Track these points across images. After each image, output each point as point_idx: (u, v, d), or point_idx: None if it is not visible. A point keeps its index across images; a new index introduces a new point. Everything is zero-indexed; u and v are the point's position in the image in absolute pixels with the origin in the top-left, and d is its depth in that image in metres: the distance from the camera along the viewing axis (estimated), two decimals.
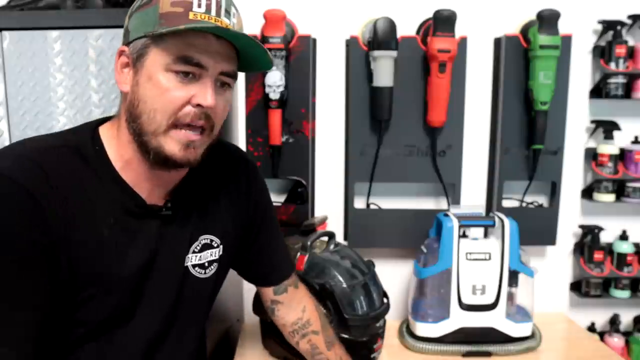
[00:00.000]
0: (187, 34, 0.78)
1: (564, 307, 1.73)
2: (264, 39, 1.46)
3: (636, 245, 1.66)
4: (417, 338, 1.44)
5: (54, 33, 1.15)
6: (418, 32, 1.56)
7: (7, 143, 1.17)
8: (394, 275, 1.64)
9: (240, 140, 1.58)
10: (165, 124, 0.80)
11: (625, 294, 1.66)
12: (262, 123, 1.54)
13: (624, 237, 1.66)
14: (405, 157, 1.59)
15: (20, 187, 0.75)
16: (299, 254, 1.32)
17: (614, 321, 1.71)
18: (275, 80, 1.48)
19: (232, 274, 1.09)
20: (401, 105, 1.54)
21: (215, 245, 0.98)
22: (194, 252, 0.94)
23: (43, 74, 1.16)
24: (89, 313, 0.84)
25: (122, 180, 0.86)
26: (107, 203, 0.84)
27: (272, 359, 1.39)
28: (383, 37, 1.46)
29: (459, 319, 1.41)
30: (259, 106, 1.54)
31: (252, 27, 1.48)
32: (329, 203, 1.64)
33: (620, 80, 1.59)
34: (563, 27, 1.49)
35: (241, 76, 1.53)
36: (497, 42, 1.59)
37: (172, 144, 0.81)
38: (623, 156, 1.62)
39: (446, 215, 1.45)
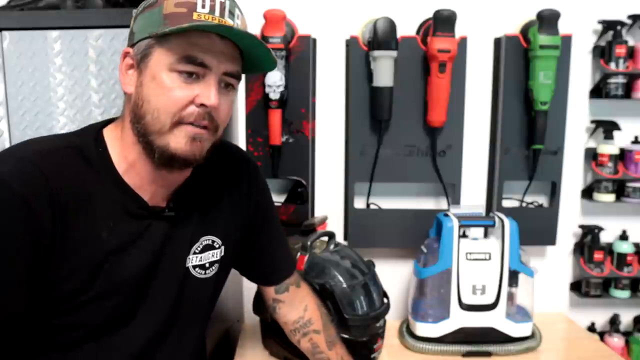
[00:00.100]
0: (190, 34, 0.78)
1: (564, 307, 1.73)
2: (264, 39, 1.46)
3: (636, 245, 1.66)
4: (417, 338, 1.44)
5: (54, 33, 1.15)
6: (418, 32, 1.56)
7: (7, 143, 1.17)
8: (394, 275, 1.64)
9: (240, 140, 1.58)
10: (169, 123, 0.80)
11: (625, 294, 1.66)
12: (262, 123, 1.54)
13: (624, 237, 1.66)
14: (405, 157, 1.59)
15: (15, 193, 0.75)
16: (299, 254, 1.32)
17: (614, 321, 1.71)
18: (275, 80, 1.48)
19: (232, 274, 1.09)
20: (401, 105, 1.54)
21: (217, 246, 0.98)
22: (194, 253, 0.95)
23: (43, 74, 1.16)
24: (89, 315, 0.84)
25: (124, 182, 0.86)
26: (109, 205, 0.84)
27: (272, 359, 1.40)
28: (383, 37, 1.46)
29: (459, 319, 1.41)
30: (259, 106, 1.54)
31: (252, 27, 1.47)
32: (329, 203, 1.64)
33: (620, 80, 1.59)
34: (563, 27, 1.49)
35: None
36: (497, 42, 1.59)
37: (178, 139, 0.81)
38: (623, 156, 1.62)
39: (446, 215, 1.45)
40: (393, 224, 1.62)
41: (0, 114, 1.17)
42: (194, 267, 0.95)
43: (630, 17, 1.58)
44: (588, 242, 1.65)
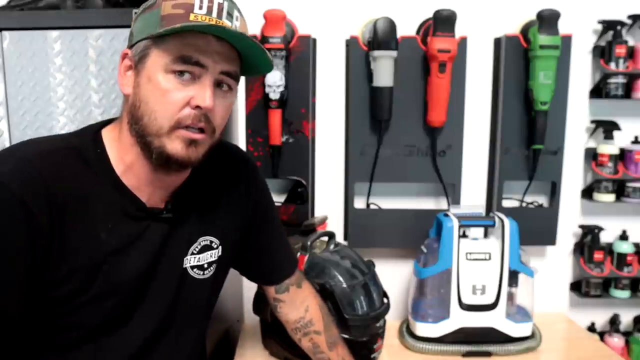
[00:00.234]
0: (186, 35, 0.78)
1: (564, 307, 1.73)
2: (264, 39, 1.46)
3: (636, 245, 1.66)
4: (417, 338, 1.44)
5: (54, 33, 1.15)
6: (418, 32, 1.56)
7: (7, 143, 1.17)
8: (394, 275, 1.64)
9: (240, 140, 1.58)
10: (167, 126, 0.80)
11: (625, 294, 1.66)
12: (262, 123, 1.54)
13: (624, 237, 1.66)
14: (405, 157, 1.59)
15: (14, 195, 0.75)
16: (299, 254, 1.32)
17: (614, 321, 1.71)
18: (275, 80, 1.48)
19: (232, 274, 1.09)
20: (401, 105, 1.54)
21: (215, 246, 0.98)
22: (192, 253, 0.94)
23: (43, 74, 1.16)
24: (88, 316, 0.84)
25: (122, 184, 0.85)
26: (107, 206, 0.84)
27: (272, 359, 1.40)
28: (383, 37, 1.46)
29: (459, 319, 1.41)
30: (259, 106, 1.54)
31: (252, 27, 1.47)
32: (329, 203, 1.64)
33: (620, 80, 1.59)
34: (563, 27, 1.49)
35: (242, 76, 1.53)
36: (497, 42, 1.59)
37: (174, 143, 0.81)
38: (623, 156, 1.62)
39: (446, 215, 1.45)
40: (393, 224, 1.62)
41: (0, 114, 1.17)
42: (192, 267, 0.95)
43: (630, 17, 1.58)
44: (588, 242, 1.65)
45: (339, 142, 1.63)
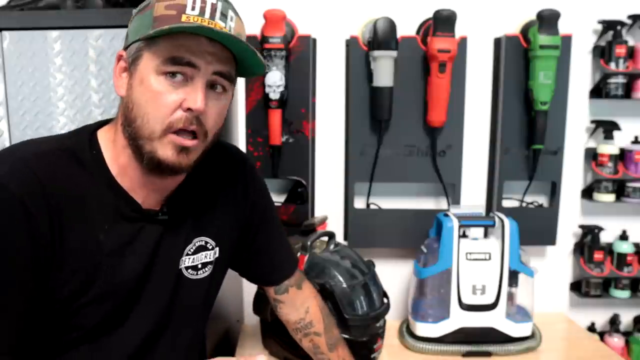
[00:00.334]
0: (178, 35, 0.78)
1: (564, 307, 1.73)
2: (264, 39, 1.46)
3: (636, 245, 1.66)
4: (417, 338, 1.44)
5: (54, 33, 1.15)
6: (418, 32, 1.56)
7: (7, 143, 1.17)
8: (394, 275, 1.64)
9: (240, 140, 1.58)
10: (159, 130, 0.79)
11: (625, 294, 1.66)
12: (262, 123, 1.54)
13: (624, 237, 1.66)
14: (405, 157, 1.59)
15: (13, 195, 0.75)
16: (299, 254, 1.32)
17: (614, 321, 1.71)
18: (275, 80, 1.48)
19: (231, 275, 1.09)
20: (401, 105, 1.54)
21: (210, 247, 0.97)
22: (187, 254, 0.94)
23: (43, 74, 1.16)
24: (87, 316, 0.84)
25: (117, 185, 0.85)
26: (103, 207, 0.84)
27: (272, 359, 1.40)
28: (383, 37, 1.46)
29: (459, 319, 1.41)
30: (259, 106, 1.54)
31: (252, 27, 1.48)
32: (329, 203, 1.64)
33: (620, 80, 1.59)
34: (563, 27, 1.49)
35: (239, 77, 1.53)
36: (497, 42, 1.59)
37: (166, 149, 0.80)
38: (623, 156, 1.62)
39: (446, 215, 1.45)
40: (393, 224, 1.62)
41: (0, 114, 1.17)
42: (187, 268, 0.94)
43: (630, 17, 1.58)
44: (588, 242, 1.65)
45: (339, 142, 1.63)
